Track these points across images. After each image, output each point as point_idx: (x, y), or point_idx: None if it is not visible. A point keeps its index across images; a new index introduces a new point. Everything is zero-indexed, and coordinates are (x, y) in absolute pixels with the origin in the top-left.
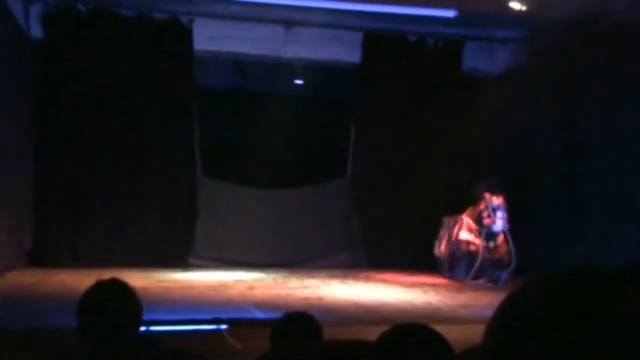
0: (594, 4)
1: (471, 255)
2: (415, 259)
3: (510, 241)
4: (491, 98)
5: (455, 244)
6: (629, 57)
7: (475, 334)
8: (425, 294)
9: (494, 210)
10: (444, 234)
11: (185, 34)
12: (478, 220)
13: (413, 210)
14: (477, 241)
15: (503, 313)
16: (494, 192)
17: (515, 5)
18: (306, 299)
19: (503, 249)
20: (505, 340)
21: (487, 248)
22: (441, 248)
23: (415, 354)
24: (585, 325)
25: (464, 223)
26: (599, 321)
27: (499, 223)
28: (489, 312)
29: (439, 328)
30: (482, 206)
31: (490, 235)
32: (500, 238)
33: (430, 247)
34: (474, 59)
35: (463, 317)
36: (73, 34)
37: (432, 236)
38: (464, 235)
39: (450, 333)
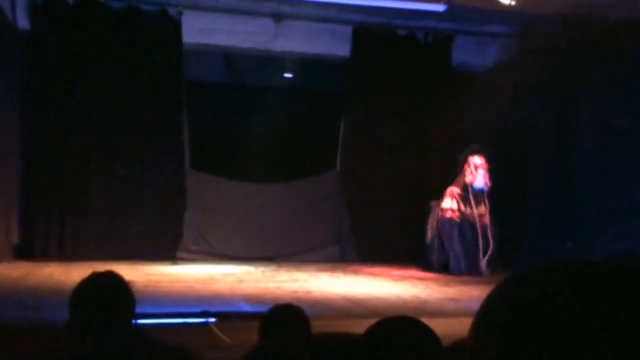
0: (584, 0)
1: (450, 224)
2: (404, 253)
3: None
4: (481, 93)
5: (436, 217)
6: (620, 54)
7: (463, 327)
8: (414, 288)
9: (476, 168)
10: (432, 220)
11: (175, 26)
12: (463, 184)
13: (402, 204)
14: (458, 207)
15: (488, 307)
16: (476, 154)
17: (505, 1)
18: (295, 292)
19: (485, 220)
20: (491, 335)
21: (470, 215)
22: (429, 235)
23: (403, 347)
24: (570, 320)
25: (448, 192)
26: (586, 316)
27: (480, 180)
28: (477, 306)
29: (427, 321)
30: (466, 167)
31: (476, 197)
32: (484, 210)
33: (419, 241)
34: (464, 54)
35: (451, 310)
36: (61, 26)
37: (422, 230)
38: (447, 204)
39: (438, 326)
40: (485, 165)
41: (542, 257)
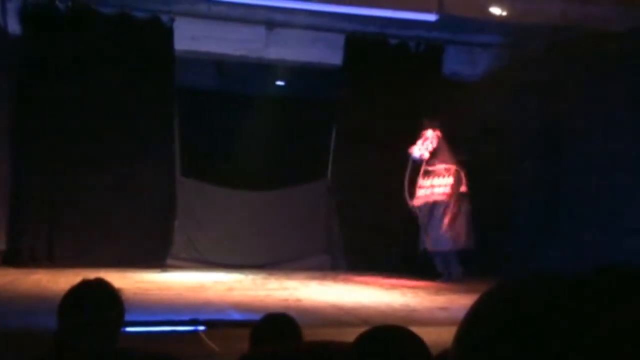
0: (573, 11)
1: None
2: (394, 261)
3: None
4: (471, 102)
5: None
6: (611, 64)
7: (452, 336)
8: (404, 297)
9: (421, 140)
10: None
11: (166, 33)
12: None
13: (393, 213)
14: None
15: (472, 317)
16: (434, 128)
17: (496, 11)
18: (285, 300)
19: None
20: (473, 345)
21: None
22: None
23: (393, 356)
24: (557, 329)
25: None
26: (574, 325)
27: (416, 150)
28: None
29: (417, 330)
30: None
31: (423, 168)
32: (439, 184)
33: (410, 249)
34: (455, 63)
35: (441, 319)
36: (52, 32)
37: (413, 239)
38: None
39: (428, 335)
40: (436, 139)
41: (531, 265)
